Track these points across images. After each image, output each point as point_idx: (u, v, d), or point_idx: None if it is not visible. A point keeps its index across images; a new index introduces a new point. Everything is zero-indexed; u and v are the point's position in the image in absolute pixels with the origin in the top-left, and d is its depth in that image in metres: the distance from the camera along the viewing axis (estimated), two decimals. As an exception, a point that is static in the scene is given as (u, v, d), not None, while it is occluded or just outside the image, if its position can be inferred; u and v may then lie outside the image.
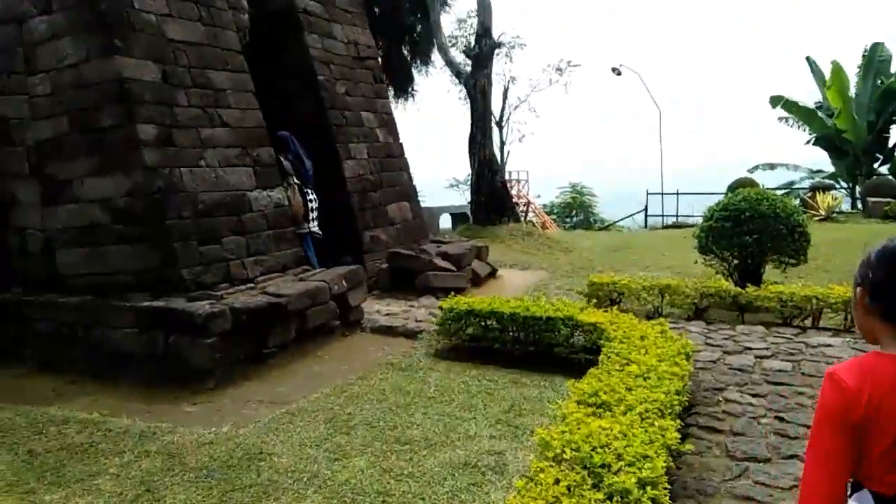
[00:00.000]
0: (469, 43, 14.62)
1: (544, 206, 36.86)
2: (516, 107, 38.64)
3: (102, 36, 6.09)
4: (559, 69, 37.53)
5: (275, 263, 7.15)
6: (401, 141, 10.44)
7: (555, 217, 35.59)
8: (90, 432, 4.36)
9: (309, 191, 8.34)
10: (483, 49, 14.25)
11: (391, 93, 18.02)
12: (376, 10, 16.97)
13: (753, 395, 5.07)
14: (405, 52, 17.97)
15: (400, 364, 6.01)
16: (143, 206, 6.09)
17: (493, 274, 10.47)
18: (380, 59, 17.50)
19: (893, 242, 1.59)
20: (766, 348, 6.25)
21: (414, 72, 18.31)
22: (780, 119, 24.50)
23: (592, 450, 3.16)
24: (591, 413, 3.73)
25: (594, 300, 7.84)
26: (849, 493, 1.54)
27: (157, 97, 6.32)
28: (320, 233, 8.40)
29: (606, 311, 6.32)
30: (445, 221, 17.22)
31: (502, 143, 38.35)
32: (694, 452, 4.00)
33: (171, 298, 5.91)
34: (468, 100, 14.64)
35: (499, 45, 15.14)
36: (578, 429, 3.41)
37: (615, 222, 31.85)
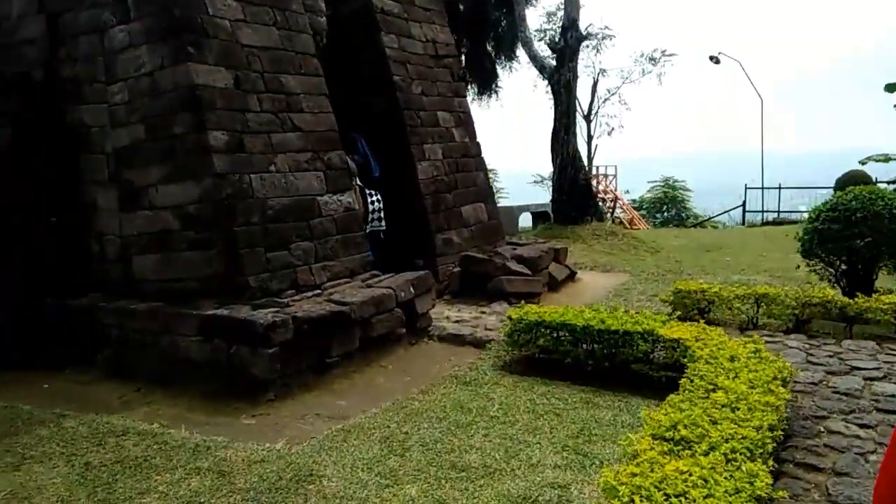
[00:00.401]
0: (555, 37, 14.08)
1: (633, 201, 35.63)
2: (606, 99, 37.50)
3: (176, 43, 6.13)
4: (653, 59, 36.13)
5: (343, 269, 7.04)
6: (477, 140, 10.15)
7: (644, 213, 34.31)
8: (147, 445, 4.34)
9: (372, 192, 8.22)
10: (569, 42, 13.72)
11: (474, 90, 17.77)
12: (461, 6, 16.76)
13: (861, 426, 4.48)
14: (489, 48, 17.66)
15: (464, 377, 5.74)
16: (211, 212, 6.09)
17: (571, 277, 10.01)
18: (462, 57, 17.31)
19: None
20: (878, 368, 5.56)
21: (498, 68, 17.98)
22: (896, 106, 22.41)
23: (666, 499, 2.78)
24: (668, 451, 3.32)
25: (680, 309, 7.28)
26: None
27: (229, 103, 6.31)
28: (382, 229, 8.29)
29: (693, 324, 5.80)
30: (526, 220, 16.80)
31: (590, 137, 37.45)
32: (788, 498, 3.51)
33: (236, 306, 5.88)
34: (552, 95, 14.14)
35: (585, 37, 14.56)
36: (651, 471, 3.02)
37: (710, 218, 30.32)
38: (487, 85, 17.46)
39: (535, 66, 14.43)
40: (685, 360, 5.08)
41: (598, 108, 37.76)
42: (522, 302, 6.68)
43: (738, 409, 3.82)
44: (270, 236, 6.33)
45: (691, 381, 4.38)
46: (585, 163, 35.59)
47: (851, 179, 18.11)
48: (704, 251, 13.59)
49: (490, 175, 32.39)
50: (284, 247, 6.46)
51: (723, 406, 3.87)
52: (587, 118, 37.55)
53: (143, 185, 6.48)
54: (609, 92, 37.62)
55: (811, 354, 6.01)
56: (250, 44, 6.68)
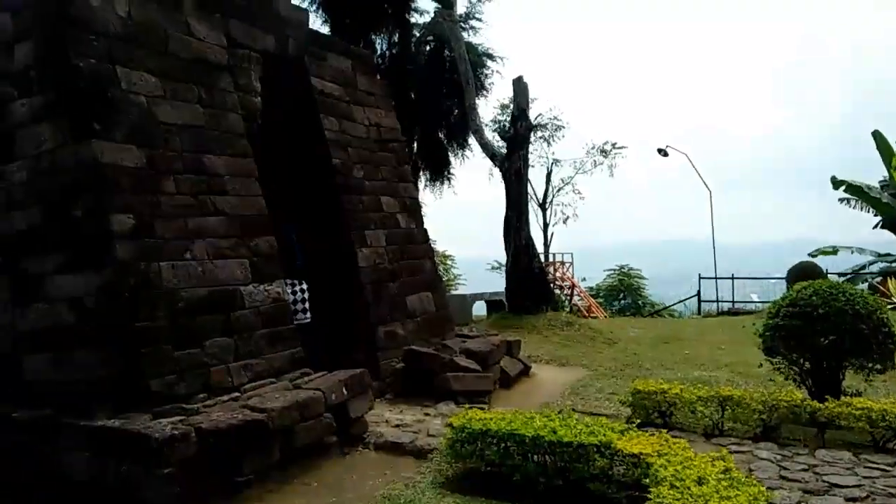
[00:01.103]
0: (506, 125, 14.02)
1: (590, 288, 35.55)
2: (560, 188, 38.16)
3: (79, 118, 5.55)
4: (604, 151, 37.04)
5: (267, 367, 6.28)
6: (424, 227, 9.68)
7: (602, 300, 34.19)
8: None
9: (295, 282, 7.60)
10: (519, 131, 13.65)
11: (427, 176, 17.57)
12: (412, 94, 16.76)
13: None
14: (441, 136, 17.61)
15: (398, 498, 4.96)
16: (110, 305, 5.35)
17: (525, 372, 9.37)
18: (414, 144, 17.19)
19: None
20: (859, 485, 4.99)
21: (451, 155, 17.88)
22: (842, 200, 23.00)
23: None
24: None
25: (639, 412, 6.67)
26: None
27: (139, 184, 5.70)
28: (307, 321, 7.64)
29: (655, 434, 5.18)
30: (481, 309, 16.28)
31: (546, 225, 37.68)
32: None
33: (134, 415, 5.06)
34: (503, 183, 13.93)
35: (535, 126, 14.59)
36: None
37: (667, 307, 30.25)
38: (440, 172, 17.30)
39: (487, 154, 14.30)
40: (647, 480, 4.43)
41: (553, 196, 38.31)
42: (465, 407, 5.99)
43: (714, 553, 3.16)
44: (180, 332, 5.58)
45: (656, 510, 3.73)
46: (541, 250, 35.76)
47: (803, 270, 18.15)
48: (662, 343, 13.14)
49: (447, 262, 32.25)
50: (197, 344, 5.71)
51: (694, 548, 3.21)
52: (542, 206, 37.96)
53: (39, 275, 5.71)
54: (563, 181, 38.19)
55: (784, 468, 5.42)
56: (168, 121, 6.14)
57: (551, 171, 37.24)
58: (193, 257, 5.92)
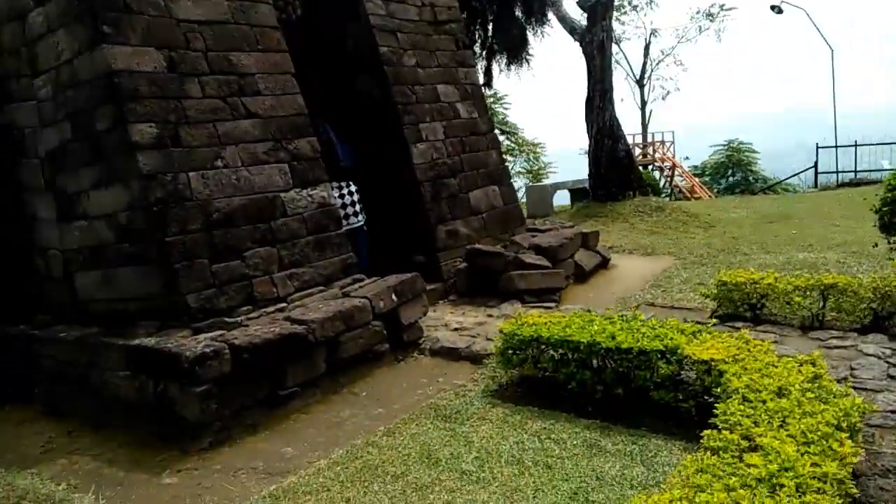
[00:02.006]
0: (586, -7, 12.60)
1: (694, 167, 33.37)
2: (659, 61, 35.40)
3: (91, 23, 5.18)
4: (710, 15, 33.72)
5: (315, 276, 6.02)
6: (489, 115, 8.95)
7: (708, 179, 32.07)
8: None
9: (342, 184, 7.17)
10: (599, -3, 12.22)
11: (503, 60, 16.42)
12: (484, -32, 15.38)
13: (970, 484, 3.17)
14: (518, 13, 16.21)
15: (445, 408, 4.65)
16: (143, 220, 5.16)
17: (604, 265, 8.73)
18: (484, 23, 15.92)
19: None
20: None
21: (529, 34, 16.52)
22: None
23: None
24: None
25: (726, 306, 5.98)
26: None
27: (160, 90, 5.34)
28: (359, 224, 7.27)
29: (736, 333, 4.53)
30: (564, 198, 15.42)
31: (644, 103, 35.33)
32: None
33: (173, 331, 4.96)
34: (584, 58, 12.69)
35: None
36: None
37: (780, 181, 27.99)
38: (517, 54, 16.05)
39: (566, 29, 12.98)
40: (718, 388, 3.84)
41: (652, 71, 35.68)
42: (531, 307, 5.50)
43: (783, 488, 2.60)
44: (217, 244, 5.36)
45: (719, 431, 3.17)
46: (639, 130, 33.69)
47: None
48: (767, 223, 11.96)
49: (537, 150, 31.05)
50: (237, 255, 5.48)
51: (759, 481, 2.66)
52: (640, 83, 35.40)
53: (76, 192, 5.61)
54: (663, 53, 35.42)
55: (893, 364, 4.64)
56: (190, 18, 5.68)
57: (649, 42, 34.45)
58: (226, 165, 5.60)
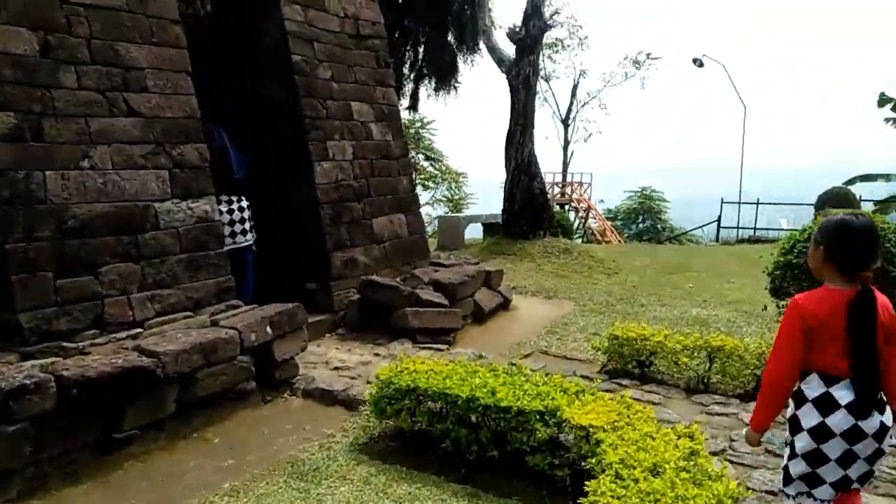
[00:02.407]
0: (516, 28, 12.57)
1: (608, 210, 34.27)
2: (585, 103, 36.40)
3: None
4: (637, 62, 35.00)
5: (183, 299, 5.48)
6: (404, 139, 8.62)
7: (619, 223, 32.96)
8: None
9: (232, 199, 6.67)
10: (530, 31, 12.20)
11: (431, 84, 16.24)
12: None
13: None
14: (450, 39, 16.10)
15: (305, 463, 4.20)
16: (-22, 222, 4.51)
17: (504, 305, 8.52)
18: (415, 45, 15.70)
19: (849, 220, 2.53)
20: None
21: (460, 61, 16.42)
22: (888, 121, 21.07)
23: None
24: None
25: (615, 360, 5.84)
26: (799, 382, 2.58)
27: (27, 76, 4.71)
28: (248, 244, 6.78)
29: (615, 398, 4.32)
30: (477, 231, 15.30)
31: (566, 143, 36.18)
32: None
33: None
34: (509, 91, 12.63)
35: (549, 26, 13.05)
36: None
37: (685, 232, 29.05)
38: (446, 79, 15.91)
39: (494, 60, 12.91)
40: (593, 459, 3.59)
41: (577, 111, 36.59)
42: (422, 347, 5.14)
43: None
44: (67, 256, 4.75)
45: (589, 513, 2.89)
46: (559, 169, 34.35)
47: (833, 198, 16.81)
48: (667, 274, 12.16)
49: (459, 179, 31.04)
50: (89, 271, 4.88)
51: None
52: (565, 122, 36.22)
53: None
54: (589, 95, 36.39)
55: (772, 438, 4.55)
56: (76, 1, 5.09)
57: (577, 83, 35.36)
58: (93, 166, 5.01)
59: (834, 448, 2.52)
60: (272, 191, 7.30)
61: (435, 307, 7.04)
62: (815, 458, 2.56)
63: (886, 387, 2.55)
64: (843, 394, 2.51)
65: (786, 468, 2.70)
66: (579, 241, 31.55)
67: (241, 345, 5.06)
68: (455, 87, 16.03)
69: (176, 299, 5.43)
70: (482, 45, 13.24)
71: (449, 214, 15.38)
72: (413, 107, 16.11)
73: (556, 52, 30.99)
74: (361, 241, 7.55)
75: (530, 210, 12.44)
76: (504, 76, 12.61)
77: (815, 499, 2.62)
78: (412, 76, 15.60)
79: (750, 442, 2.87)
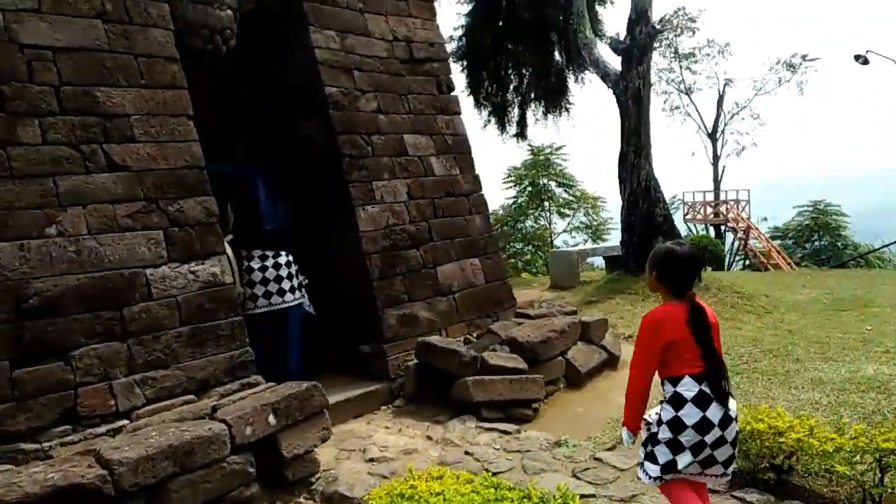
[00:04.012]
0: (620, 37, 11.03)
1: (774, 229, 30.57)
2: (734, 114, 33.15)
3: None
4: (791, 66, 31.45)
5: (184, 381, 4.60)
6: (475, 172, 7.41)
7: (790, 243, 29.19)
8: None
9: (268, 253, 5.77)
10: (637, 39, 10.61)
11: (540, 109, 14.95)
12: (525, 14, 14.06)
13: None
14: (557, 57, 14.78)
15: None
16: (-84, 307, 3.90)
17: (610, 363, 6.94)
18: (517, 67, 14.49)
19: (674, 249, 3.00)
20: None
21: (570, 80, 15.03)
22: None
23: None
24: None
25: (741, 461, 4.14)
26: (673, 387, 2.91)
27: (-20, 134, 4.12)
28: (294, 303, 5.84)
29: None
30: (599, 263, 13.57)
31: (716, 158, 33.03)
32: None
33: (-70, 463, 3.60)
34: (618, 108, 11.04)
35: (659, 31, 11.36)
36: None
37: (874, 250, 25.01)
38: (556, 101, 14.55)
39: (597, 74, 11.40)
40: None
41: (726, 124, 33.37)
42: (485, 428, 3.87)
43: None
44: (27, 340, 4.01)
45: None
46: (711, 187, 31.25)
47: None
48: (838, 311, 9.80)
49: (597, 204, 29.14)
50: (58, 355, 4.12)
51: None
52: (712, 136, 33.15)
53: None
54: (738, 105, 33.15)
55: None
56: (39, 44, 4.48)
57: (723, 94, 32.38)
58: (61, 232, 4.29)
59: (714, 436, 2.87)
60: (312, 241, 6.38)
61: (507, 374, 5.68)
62: (699, 448, 2.88)
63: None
64: (708, 389, 2.88)
65: (651, 455, 2.97)
66: (740, 266, 28.36)
67: (232, 442, 4.04)
68: (566, 109, 14.63)
69: (173, 382, 4.56)
70: (586, 59, 11.76)
71: (560, 249, 13.83)
72: (521, 134, 14.87)
73: (695, 61, 28.45)
74: (422, 294, 6.40)
75: (653, 240, 10.64)
76: (612, 92, 11.04)
77: (682, 472, 2.91)
78: (517, 101, 14.40)
79: (625, 441, 3.15)
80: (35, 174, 4.28)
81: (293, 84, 6.38)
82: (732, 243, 28.78)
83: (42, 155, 4.34)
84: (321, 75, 6.17)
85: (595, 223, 29.73)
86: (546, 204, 28.11)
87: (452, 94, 7.48)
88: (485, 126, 15.08)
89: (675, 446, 2.89)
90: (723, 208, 29.84)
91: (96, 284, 4.35)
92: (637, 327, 8.12)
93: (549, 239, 27.95)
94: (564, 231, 29.43)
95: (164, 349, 4.58)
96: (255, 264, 5.75)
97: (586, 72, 13.98)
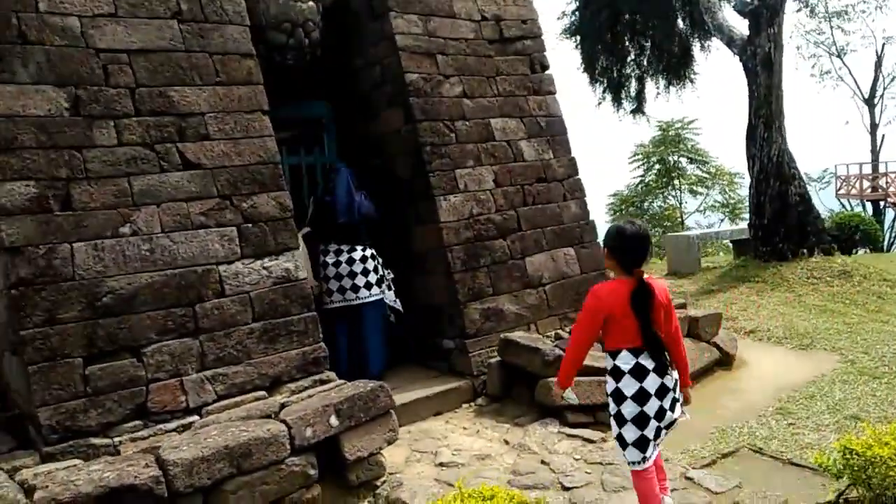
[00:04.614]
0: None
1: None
2: (894, 77, 29.46)
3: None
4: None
5: (255, 377, 4.59)
6: (571, 155, 6.91)
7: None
8: None
9: (343, 247, 5.64)
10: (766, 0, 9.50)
11: (661, 80, 13.96)
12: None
13: None
14: (681, 25, 13.68)
15: None
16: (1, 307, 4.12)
17: (724, 361, 6.28)
18: (633, 37, 13.48)
19: (625, 227, 3.12)
20: None
21: (695, 48, 13.88)
22: None
23: None
24: None
25: (861, 487, 3.50)
26: (613, 360, 3.14)
27: (50, 139, 4.26)
28: (372, 299, 5.67)
29: None
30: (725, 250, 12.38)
31: (874, 126, 29.59)
32: None
33: (13, 454, 3.81)
34: (745, 76, 9.96)
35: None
36: None
37: None
38: (679, 71, 13.48)
39: (722, 40, 10.34)
40: None
41: (885, 88, 29.71)
42: (567, 433, 3.57)
43: None
44: (100, 338, 4.13)
45: None
46: (866, 159, 28.03)
47: None
48: None
49: (735, 180, 27.02)
50: (131, 352, 4.22)
51: None
52: (869, 102, 29.72)
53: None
54: (900, 66, 29.37)
55: None
56: (114, 47, 4.58)
57: (882, 54, 28.91)
58: (135, 231, 4.39)
59: (653, 406, 3.06)
60: (396, 234, 6.20)
61: (597, 374, 5.22)
62: (642, 420, 3.07)
63: (669, 353, 3.15)
64: (647, 362, 3.07)
65: (620, 437, 3.15)
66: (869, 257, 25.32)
67: (292, 443, 3.97)
68: (691, 80, 13.49)
69: (245, 378, 4.57)
70: (709, 24, 10.68)
71: (678, 234, 12.79)
72: (639, 109, 13.93)
73: (847, 19, 25.46)
74: (509, 287, 6.05)
75: (787, 222, 9.55)
76: (738, 59, 9.96)
77: (647, 458, 3.12)
78: (635, 74, 13.48)
79: (555, 397, 3.72)
80: (110, 175, 4.39)
81: (376, 74, 6.22)
82: (893, 220, 25.76)
83: (117, 156, 4.44)
84: (402, 62, 5.95)
85: (732, 201, 27.66)
86: (676, 182, 26.49)
87: (546, 73, 7.00)
88: (599, 104, 14.30)
89: (620, 419, 3.14)
90: (882, 181, 26.77)
91: (169, 282, 4.42)
92: (761, 322, 7.28)
93: (679, 219, 26.36)
94: (697, 211, 27.67)
95: (236, 345, 4.59)
96: (330, 259, 5.67)
97: (713, 38, 12.78)
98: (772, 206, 9.64)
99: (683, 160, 26.62)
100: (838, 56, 28.75)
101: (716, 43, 13.06)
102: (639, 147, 26.34)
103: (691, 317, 6.26)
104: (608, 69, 13.80)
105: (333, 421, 4.16)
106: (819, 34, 28.89)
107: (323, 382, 4.80)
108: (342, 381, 4.76)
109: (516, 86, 6.69)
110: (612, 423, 3.20)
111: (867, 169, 27.37)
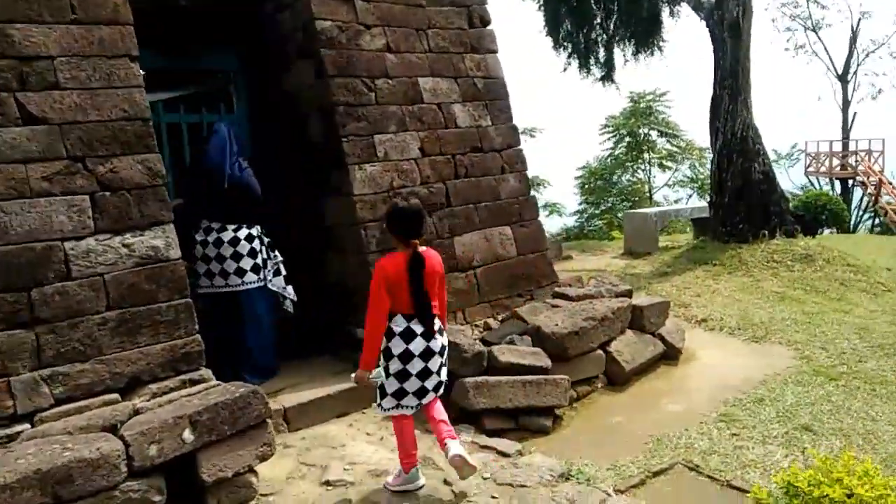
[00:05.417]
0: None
1: (915, 184, 26.76)
2: (869, 53, 29.12)
3: None
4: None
5: (106, 376, 3.83)
6: (512, 123, 6.18)
7: (932, 202, 25.45)
8: None
9: (213, 225, 4.81)
10: (736, -41, 8.75)
11: (629, 47, 13.20)
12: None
13: None
14: (649, -10, 12.86)
15: None
16: None
17: (671, 355, 5.68)
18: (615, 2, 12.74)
19: (402, 204, 3.45)
20: None
21: (663, 14, 13.11)
22: None
23: None
24: None
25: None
26: (388, 323, 3.42)
27: None
28: (256, 284, 4.87)
29: None
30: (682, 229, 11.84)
31: (846, 103, 29.25)
32: None
33: None
34: (711, 43, 9.26)
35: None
36: None
37: None
38: (646, 39, 12.72)
39: (690, 5, 9.61)
40: None
41: (859, 65, 29.33)
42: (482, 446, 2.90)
43: None
44: None
45: None
46: (840, 135, 27.74)
47: None
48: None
49: (705, 155, 26.57)
50: (-61, 347, 3.45)
51: None
52: (842, 79, 29.33)
53: None
54: (874, 43, 29.04)
55: None
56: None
57: (857, 30, 28.47)
58: (-46, 201, 3.58)
59: (416, 366, 3.44)
60: (298, 207, 5.44)
61: (522, 373, 4.60)
62: (403, 375, 3.45)
63: (441, 319, 3.56)
64: (417, 327, 3.42)
65: (381, 387, 3.53)
66: (868, 225, 25.19)
67: (129, 464, 3.25)
68: (659, 48, 12.75)
69: (92, 377, 3.81)
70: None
71: (635, 211, 12.19)
72: (608, 76, 13.18)
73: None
74: (433, 271, 5.34)
75: (748, 201, 8.96)
76: (705, 25, 9.25)
77: (404, 406, 3.53)
78: (602, 39, 12.70)
79: (360, 380, 3.54)
80: (-79, 129, 3.56)
81: (287, 20, 5.38)
82: (861, 199, 25.57)
83: (-71, 106, 3.60)
84: (312, 6, 5.12)
85: (702, 177, 27.23)
86: (646, 156, 25.90)
87: (488, 28, 6.22)
88: (565, 69, 13.51)
89: (385, 372, 3.48)
90: (852, 160, 26.53)
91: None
92: (714, 310, 6.70)
93: (647, 194, 25.85)
94: (666, 185, 27.19)
95: (84, 338, 3.82)
96: (199, 237, 4.82)
97: (682, 2, 12.03)
98: (733, 184, 9.04)
99: (654, 133, 26.02)
100: (813, 30, 28.25)
101: (685, 9, 12.31)
102: (609, 119, 25.63)
103: (635, 306, 5.62)
104: (573, 33, 13.00)
105: (188, 436, 3.44)
106: (795, 7, 28.34)
107: (194, 383, 4.06)
108: (216, 383, 4.04)
109: (451, 41, 5.90)
110: (381, 374, 3.50)
111: (837, 147, 27.06)
